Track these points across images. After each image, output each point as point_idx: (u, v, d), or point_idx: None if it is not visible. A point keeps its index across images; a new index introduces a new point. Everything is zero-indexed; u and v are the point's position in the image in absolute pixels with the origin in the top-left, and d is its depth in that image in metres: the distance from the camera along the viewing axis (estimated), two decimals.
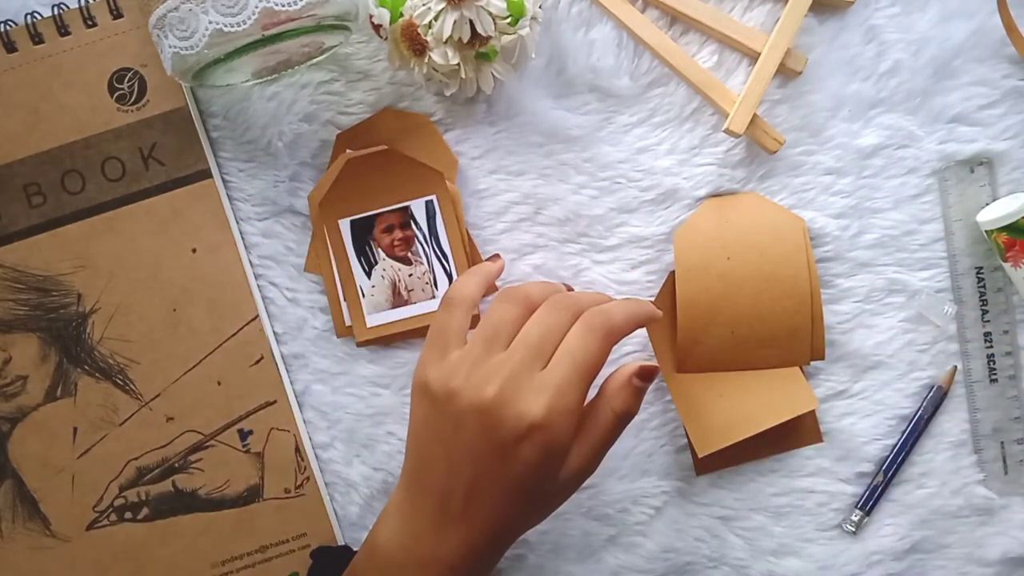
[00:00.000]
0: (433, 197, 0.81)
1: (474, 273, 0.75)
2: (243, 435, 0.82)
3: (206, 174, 0.81)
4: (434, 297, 0.82)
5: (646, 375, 0.70)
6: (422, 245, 0.81)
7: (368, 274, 0.82)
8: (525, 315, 0.70)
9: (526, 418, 0.66)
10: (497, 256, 0.80)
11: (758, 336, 0.80)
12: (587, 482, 0.78)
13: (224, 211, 0.82)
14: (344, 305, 0.82)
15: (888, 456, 0.82)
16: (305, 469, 0.83)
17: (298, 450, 0.83)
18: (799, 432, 0.82)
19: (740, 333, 0.80)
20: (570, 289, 0.79)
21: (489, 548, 0.70)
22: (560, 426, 0.66)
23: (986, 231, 0.79)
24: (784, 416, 0.80)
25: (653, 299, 0.82)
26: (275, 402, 0.83)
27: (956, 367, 0.82)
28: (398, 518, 0.72)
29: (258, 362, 0.82)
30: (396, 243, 0.81)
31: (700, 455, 0.80)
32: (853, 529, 0.82)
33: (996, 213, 0.78)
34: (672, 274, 0.82)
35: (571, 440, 0.68)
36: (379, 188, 0.81)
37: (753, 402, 0.81)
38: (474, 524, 0.69)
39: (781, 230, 0.80)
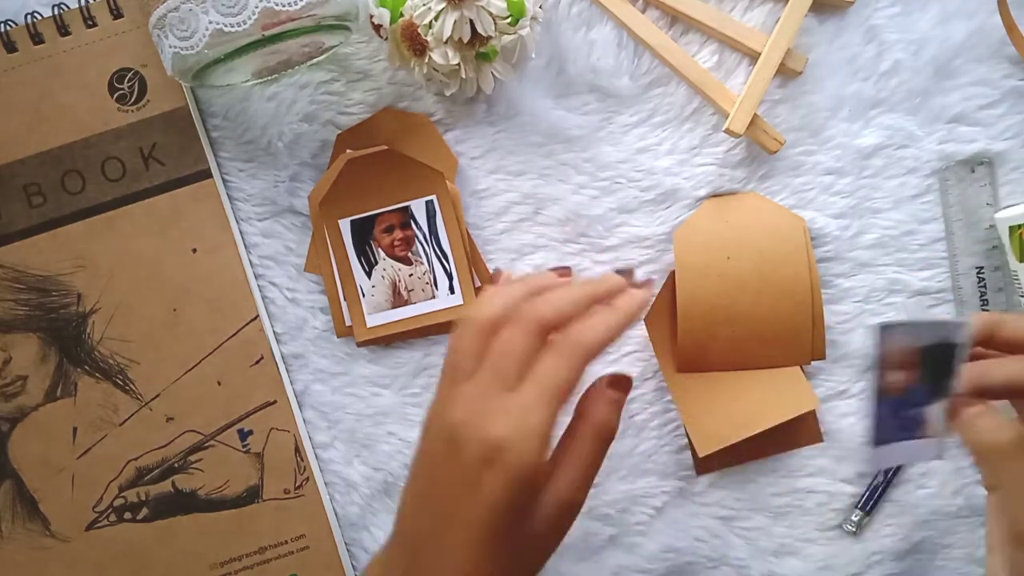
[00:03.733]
0: (433, 197, 0.81)
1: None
2: (243, 435, 0.82)
3: (206, 174, 0.81)
4: (434, 297, 0.82)
5: (619, 385, 0.67)
6: (422, 245, 0.81)
7: (368, 274, 0.82)
8: (487, 340, 0.63)
9: (488, 440, 0.58)
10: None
11: (759, 336, 0.80)
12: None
13: (224, 211, 0.82)
14: (344, 305, 0.82)
15: None
16: (305, 470, 0.83)
17: (298, 450, 0.83)
18: (800, 432, 0.82)
19: (741, 333, 0.80)
20: (567, 273, 0.77)
21: None
22: (525, 449, 0.58)
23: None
24: (785, 416, 0.80)
25: (653, 300, 0.83)
26: (275, 402, 0.83)
27: None
28: (400, 538, 0.65)
29: (258, 362, 0.82)
30: (396, 243, 0.81)
31: (701, 455, 0.80)
32: (853, 529, 0.82)
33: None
34: (672, 274, 0.82)
35: (540, 466, 0.59)
36: (379, 188, 0.81)
37: (754, 402, 0.81)
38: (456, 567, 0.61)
39: (781, 230, 0.80)
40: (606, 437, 0.66)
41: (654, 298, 0.82)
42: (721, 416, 0.81)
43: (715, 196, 0.82)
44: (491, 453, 0.58)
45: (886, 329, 0.62)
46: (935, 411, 0.62)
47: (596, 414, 0.65)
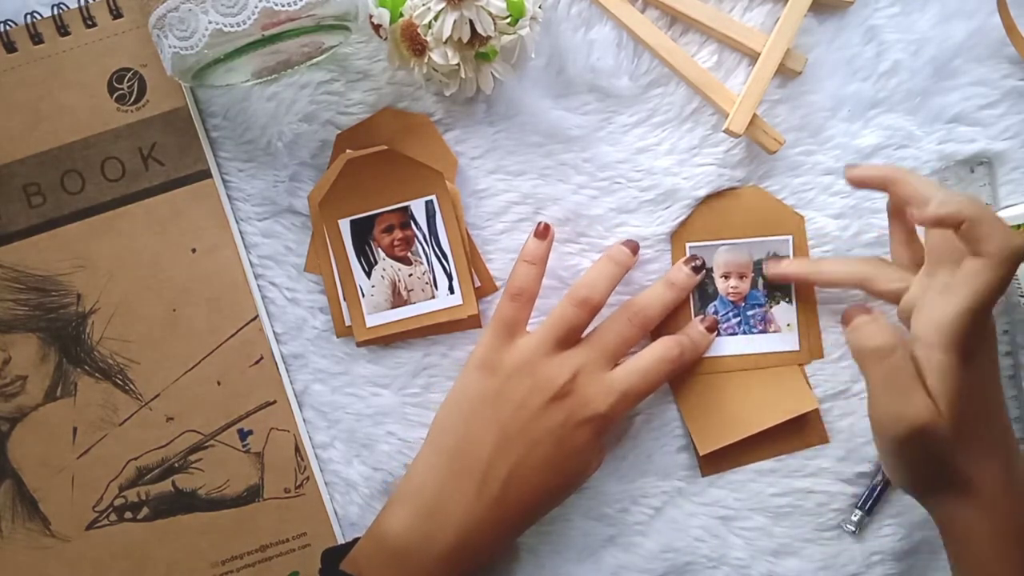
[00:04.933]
0: (433, 197, 0.81)
1: (533, 265, 0.79)
2: (243, 435, 0.82)
3: (206, 174, 0.81)
4: (434, 297, 0.82)
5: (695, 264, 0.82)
6: (422, 245, 0.81)
7: (368, 274, 0.82)
8: (590, 320, 0.79)
9: (591, 408, 0.76)
10: (544, 233, 0.80)
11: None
12: (587, 482, 0.79)
13: (224, 211, 0.82)
14: (344, 305, 0.82)
15: None
16: (305, 469, 0.83)
17: (298, 450, 0.83)
18: (805, 432, 0.82)
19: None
20: (636, 250, 0.82)
21: (517, 528, 0.78)
22: (614, 420, 0.78)
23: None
24: (783, 416, 0.81)
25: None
26: (275, 402, 0.83)
27: None
28: (417, 502, 0.76)
29: (258, 362, 0.82)
30: (396, 243, 0.81)
31: (701, 453, 0.81)
32: (854, 529, 0.82)
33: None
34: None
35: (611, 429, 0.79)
36: (379, 188, 0.81)
37: (754, 402, 0.82)
38: (509, 506, 0.76)
39: (780, 229, 0.80)
40: (684, 348, 0.80)
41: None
42: (721, 416, 0.82)
43: (715, 194, 0.82)
44: (592, 417, 0.76)
45: (721, 247, 0.82)
46: (779, 311, 0.82)
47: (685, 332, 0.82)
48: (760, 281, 0.82)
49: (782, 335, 0.82)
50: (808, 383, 0.82)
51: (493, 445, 0.76)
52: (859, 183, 0.75)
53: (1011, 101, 0.80)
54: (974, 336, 0.67)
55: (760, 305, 0.82)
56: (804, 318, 0.82)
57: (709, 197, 0.81)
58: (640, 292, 0.81)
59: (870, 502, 0.81)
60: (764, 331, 0.82)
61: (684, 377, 0.83)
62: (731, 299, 0.82)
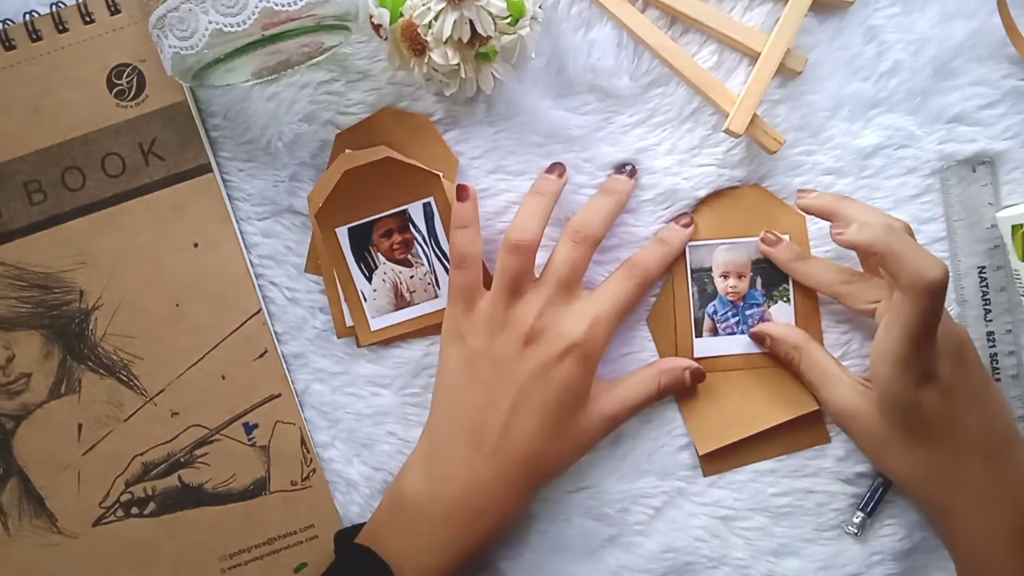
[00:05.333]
0: (431, 199, 0.81)
1: (466, 228, 0.78)
2: (248, 429, 0.83)
3: (206, 168, 0.82)
4: (436, 297, 0.82)
5: (698, 377, 0.82)
6: (422, 247, 0.82)
7: (369, 279, 0.82)
8: (532, 262, 0.78)
9: (567, 337, 0.76)
10: (463, 195, 0.79)
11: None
12: (587, 482, 0.80)
13: (225, 205, 0.82)
14: (345, 307, 0.83)
15: None
16: (311, 461, 0.83)
17: (303, 442, 0.83)
18: (805, 433, 0.83)
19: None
20: (561, 172, 0.81)
21: (520, 483, 0.78)
22: (595, 347, 0.77)
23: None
24: (784, 416, 0.81)
25: (655, 300, 0.84)
26: (280, 395, 0.83)
27: None
28: (422, 467, 0.78)
29: (262, 356, 0.83)
30: (396, 247, 0.81)
31: (700, 452, 0.82)
32: (856, 531, 0.82)
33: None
34: (671, 276, 0.83)
35: (600, 356, 0.79)
36: (375, 194, 0.81)
37: (755, 403, 0.82)
38: (508, 457, 0.77)
39: (780, 228, 0.81)
40: (663, 389, 0.81)
41: (655, 300, 0.84)
42: (721, 416, 0.82)
43: (715, 192, 0.82)
44: (569, 347, 0.76)
45: (719, 247, 0.82)
46: (777, 310, 0.83)
47: (669, 377, 0.81)
48: (759, 281, 0.82)
49: None
50: None
51: (481, 402, 0.77)
52: (806, 211, 0.79)
53: (1011, 101, 0.80)
54: (917, 360, 0.71)
55: (759, 305, 0.82)
56: (803, 318, 0.82)
57: (710, 196, 0.82)
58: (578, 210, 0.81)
59: (871, 504, 0.82)
60: None
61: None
62: (730, 299, 0.82)
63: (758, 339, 0.82)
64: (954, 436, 0.74)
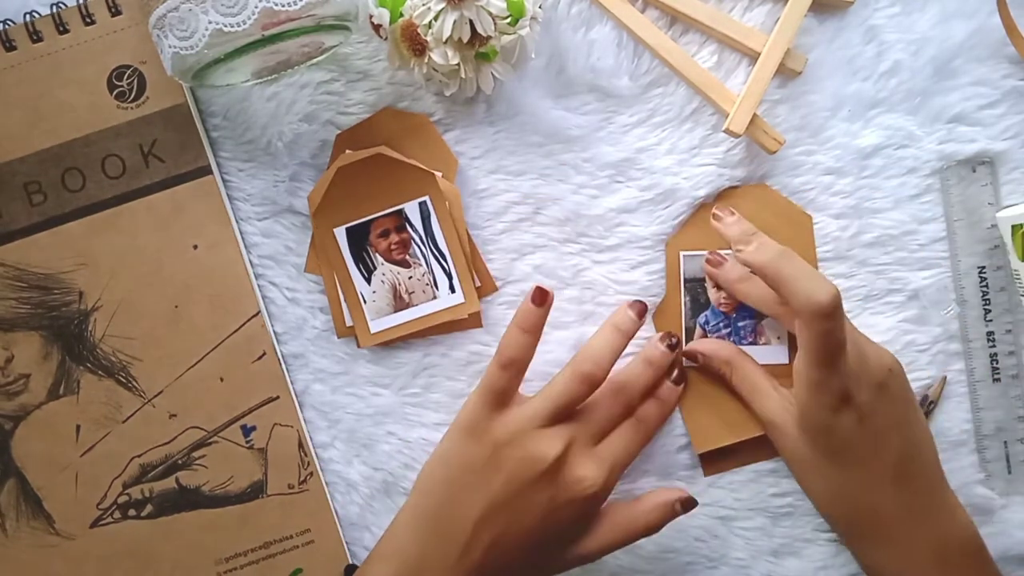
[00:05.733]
0: (426, 198, 0.81)
1: (527, 334, 0.76)
2: (246, 431, 0.83)
3: (206, 170, 0.81)
4: (435, 297, 0.82)
5: (687, 506, 0.78)
6: (419, 247, 0.81)
7: (368, 280, 0.82)
8: (587, 396, 0.77)
9: (585, 483, 0.75)
10: (540, 299, 0.76)
11: None
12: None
13: (225, 207, 0.82)
14: (346, 309, 0.83)
15: None
16: (308, 465, 0.83)
17: (301, 446, 0.83)
18: None
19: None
20: (642, 313, 0.79)
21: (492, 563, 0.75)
22: (599, 490, 0.75)
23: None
24: None
25: (657, 302, 0.83)
26: (278, 398, 0.83)
27: (946, 377, 0.82)
28: (397, 563, 0.76)
29: (260, 358, 0.82)
30: (393, 247, 0.81)
31: (698, 451, 0.82)
32: None
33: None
34: (677, 280, 0.83)
35: (600, 503, 0.77)
36: (371, 193, 0.81)
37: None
38: (488, 574, 0.75)
39: (787, 229, 0.81)
40: (648, 535, 0.78)
41: (657, 304, 0.84)
42: (720, 417, 0.82)
43: (721, 193, 0.82)
44: (576, 486, 0.74)
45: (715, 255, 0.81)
46: (769, 324, 0.82)
47: (656, 515, 0.78)
48: None
49: (773, 347, 0.82)
50: None
51: (478, 514, 0.74)
52: (718, 231, 0.78)
53: (1011, 101, 0.80)
54: (830, 383, 0.72)
55: (751, 317, 0.82)
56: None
57: (708, 203, 0.81)
58: (622, 369, 0.81)
59: None
60: (755, 343, 0.82)
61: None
62: (723, 310, 0.82)
63: (690, 357, 0.82)
64: (869, 461, 0.75)
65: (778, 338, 0.81)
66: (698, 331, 0.82)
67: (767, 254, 0.72)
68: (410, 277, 0.82)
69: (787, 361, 0.81)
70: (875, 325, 0.82)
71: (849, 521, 0.77)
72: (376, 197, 0.81)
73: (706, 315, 0.82)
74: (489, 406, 0.76)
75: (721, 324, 0.82)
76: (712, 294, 0.82)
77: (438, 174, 0.81)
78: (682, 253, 0.81)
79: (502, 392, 0.76)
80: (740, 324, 0.82)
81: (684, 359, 0.82)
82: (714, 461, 0.83)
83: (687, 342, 0.82)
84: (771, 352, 0.82)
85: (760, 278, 0.74)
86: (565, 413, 0.76)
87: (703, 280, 0.82)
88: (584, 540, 0.77)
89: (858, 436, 0.74)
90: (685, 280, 0.82)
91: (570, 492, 0.74)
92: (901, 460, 0.75)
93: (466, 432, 0.77)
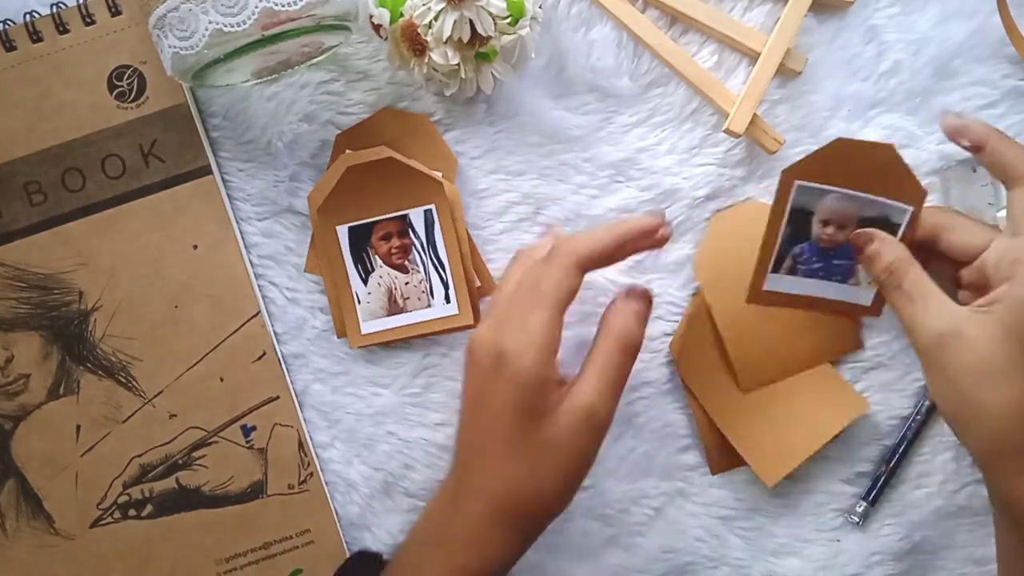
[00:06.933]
0: (432, 206, 0.80)
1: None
2: (246, 431, 0.83)
3: (206, 170, 0.81)
4: (430, 306, 0.82)
5: (638, 296, 0.72)
6: (419, 254, 0.81)
7: (364, 281, 0.82)
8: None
9: (495, 350, 0.68)
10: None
11: (804, 324, 0.82)
12: (587, 482, 0.78)
13: (225, 207, 0.82)
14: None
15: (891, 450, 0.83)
16: (309, 465, 0.83)
17: (301, 446, 0.83)
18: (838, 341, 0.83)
19: (788, 326, 0.82)
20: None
21: (498, 523, 0.69)
22: (523, 356, 0.67)
23: None
24: (839, 426, 0.81)
25: (682, 320, 0.83)
26: (278, 398, 0.83)
27: None
28: (437, 491, 0.74)
29: (260, 358, 0.82)
30: (394, 251, 0.81)
31: (769, 484, 0.80)
32: (858, 520, 0.82)
33: None
34: (697, 298, 0.83)
35: (540, 371, 0.67)
36: (378, 196, 0.80)
37: (805, 417, 0.81)
38: (479, 494, 0.69)
39: (901, 195, 0.74)
40: (628, 345, 0.71)
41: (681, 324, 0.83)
42: (777, 441, 0.81)
43: (844, 141, 0.73)
44: (497, 360, 0.67)
45: (830, 194, 0.72)
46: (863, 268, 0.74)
47: (616, 323, 0.71)
48: None
49: (860, 289, 0.75)
50: (851, 386, 0.82)
51: (461, 430, 0.73)
52: (954, 135, 0.71)
53: (1011, 101, 0.80)
54: None
55: (851, 258, 0.75)
56: None
57: (838, 142, 0.72)
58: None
59: (872, 491, 0.82)
60: (843, 281, 0.76)
61: (725, 406, 0.82)
62: (823, 245, 0.75)
63: (857, 244, 0.73)
64: None
65: (869, 283, 0.75)
66: (788, 261, 0.76)
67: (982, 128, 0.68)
68: (407, 283, 0.82)
69: (868, 304, 0.76)
70: (875, 326, 0.82)
71: None
72: (382, 200, 0.81)
73: (803, 246, 0.75)
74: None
75: (815, 258, 0.75)
76: (817, 228, 0.75)
77: (444, 180, 0.80)
78: (797, 182, 0.73)
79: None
80: (836, 263, 0.76)
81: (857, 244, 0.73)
82: (722, 460, 0.83)
83: (772, 269, 0.75)
84: (856, 292, 0.76)
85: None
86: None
87: (812, 213, 0.75)
88: (570, 397, 0.69)
89: None
90: (792, 209, 0.74)
91: (487, 366, 0.69)
92: None
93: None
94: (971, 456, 0.69)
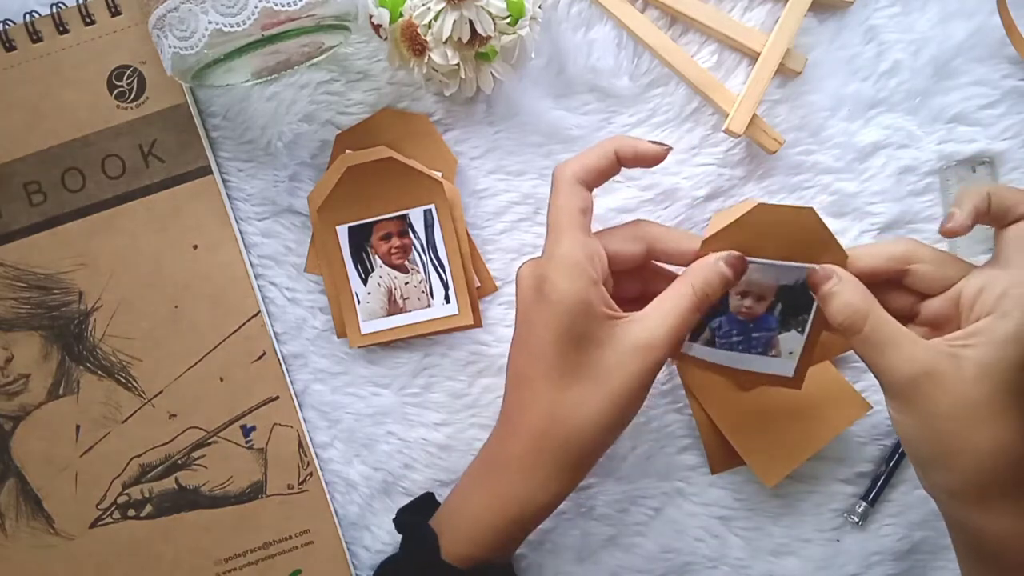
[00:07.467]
0: (432, 206, 0.80)
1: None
2: (246, 431, 0.83)
3: (206, 170, 0.81)
4: (429, 306, 0.82)
5: (732, 262, 0.69)
6: (419, 254, 0.81)
7: (364, 281, 0.82)
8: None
9: (532, 277, 0.68)
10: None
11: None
12: (586, 482, 0.79)
13: (225, 207, 0.82)
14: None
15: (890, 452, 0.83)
16: (308, 465, 0.83)
17: (301, 446, 0.83)
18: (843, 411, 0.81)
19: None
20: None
21: (546, 454, 0.68)
22: (558, 280, 0.66)
23: None
24: (840, 426, 0.80)
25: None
26: (277, 398, 0.83)
27: None
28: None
29: (260, 358, 0.82)
30: (393, 251, 0.81)
31: (769, 485, 0.80)
32: (858, 520, 0.82)
33: None
34: None
35: (580, 293, 0.66)
36: (378, 196, 0.81)
37: (805, 418, 0.81)
38: (526, 427, 0.69)
39: (819, 260, 0.71)
40: (702, 301, 0.69)
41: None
42: (778, 443, 0.81)
43: (764, 207, 0.71)
44: (537, 287, 0.67)
45: (748, 266, 0.70)
46: (786, 338, 0.73)
47: (700, 275, 0.69)
48: (779, 307, 0.73)
49: (781, 360, 0.74)
50: (853, 387, 0.82)
51: (513, 348, 0.72)
52: (964, 221, 0.66)
53: (1011, 101, 0.80)
54: None
55: (770, 330, 0.73)
56: (808, 352, 0.74)
57: (757, 208, 0.70)
58: None
59: (872, 491, 0.82)
60: (764, 353, 0.74)
61: (726, 408, 0.81)
62: (741, 317, 0.74)
63: (820, 277, 0.68)
64: None
65: (789, 353, 0.74)
66: (706, 333, 0.75)
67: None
68: (407, 283, 0.82)
69: (791, 375, 0.75)
70: None
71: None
72: (382, 200, 0.81)
73: (720, 320, 0.74)
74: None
75: (734, 332, 0.75)
76: (734, 301, 0.73)
77: (443, 180, 0.80)
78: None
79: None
80: (755, 335, 0.74)
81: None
82: (722, 459, 0.83)
83: (691, 338, 0.75)
84: (777, 364, 0.74)
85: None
86: None
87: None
88: (631, 328, 0.68)
89: None
90: None
91: (528, 294, 0.69)
92: None
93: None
94: (939, 497, 0.67)
